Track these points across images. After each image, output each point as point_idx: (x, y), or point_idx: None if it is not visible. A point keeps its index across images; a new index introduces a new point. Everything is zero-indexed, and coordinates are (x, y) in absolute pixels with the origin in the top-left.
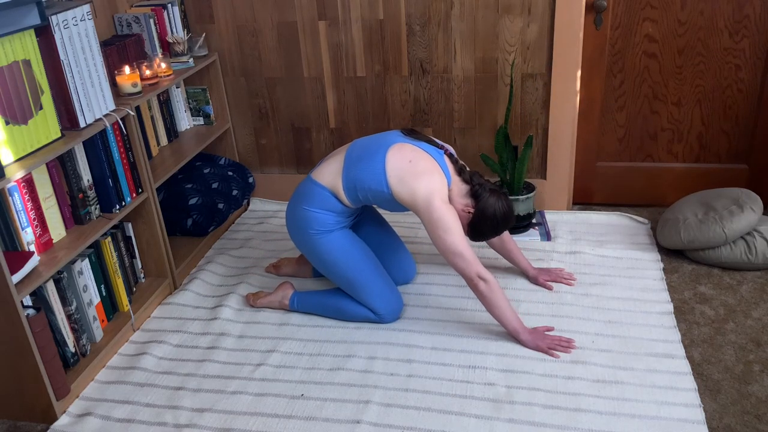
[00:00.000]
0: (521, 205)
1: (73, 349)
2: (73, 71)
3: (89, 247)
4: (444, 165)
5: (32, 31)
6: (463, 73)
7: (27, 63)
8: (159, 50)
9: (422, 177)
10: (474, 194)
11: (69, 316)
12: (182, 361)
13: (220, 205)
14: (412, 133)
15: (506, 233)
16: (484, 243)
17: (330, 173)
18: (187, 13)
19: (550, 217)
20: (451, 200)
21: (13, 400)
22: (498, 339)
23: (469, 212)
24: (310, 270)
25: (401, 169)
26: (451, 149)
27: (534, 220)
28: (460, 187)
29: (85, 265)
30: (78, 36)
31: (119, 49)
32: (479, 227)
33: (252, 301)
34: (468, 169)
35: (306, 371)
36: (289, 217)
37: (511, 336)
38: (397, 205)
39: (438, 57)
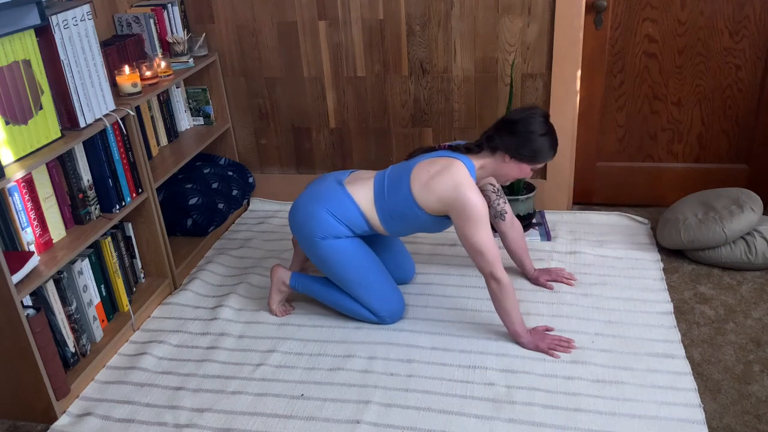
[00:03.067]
0: (521, 205)
1: (73, 349)
2: (73, 71)
3: (89, 247)
4: (457, 156)
5: (32, 31)
6: (463, 73)
7: (27, 63)
8: (159, 50)
9: (439, 176)
10: (491, 147)
11: (69, 316)
12: (182, 361)
13: (220, 205)
14: (425, 150)
15: (520, 232)
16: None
17: (366, 198)
18: (187, 13)
19: (550, 217)
20: (493, 175)
21: (13, 400)
22: (498, 339)
23: (508, 160)
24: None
25: (422, 182)
26: (448, 143)
27: (534, 220)
28: (483, 159)
29: (85, 265)
30: (78, 36)
31: (119, 49)
32: (529, 151)
33: (278, 314)
34: (468, 142)
35: (306, 371)
36: (300, 213)
37: (512, 338)
38: (442, 223)
39: (438, 57)
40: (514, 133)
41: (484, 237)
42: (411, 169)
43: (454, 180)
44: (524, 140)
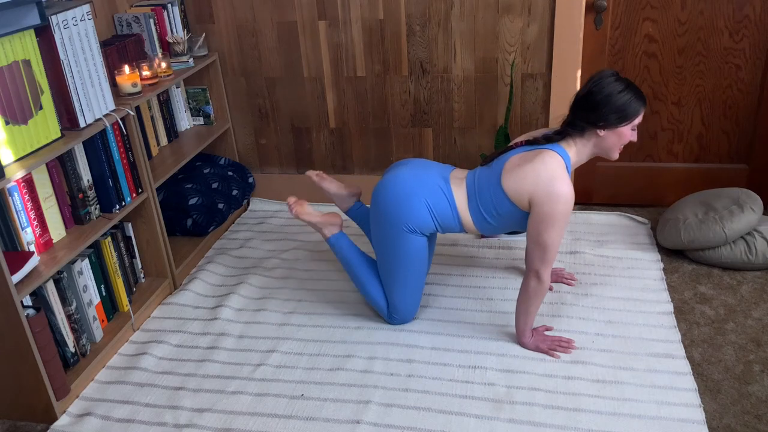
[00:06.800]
0: None
1: (73, 349)
2: (73, 71)
3: (89, 247)
4: (549, 146)
5: (32, 31)
6: (463, 73)
7: (27, 63)
8: (159, 50)
9: (533, 169)
10: (578, 130)
11: (69, 316)
12: (182, 361)
13: (220, 205)
14: (505, 150)
15: None
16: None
17: (461, 198)
18: (187, 13)
19: None
20: (596, 154)
21: (13, 400)
22: (498, 339)
23: (603, 133)
24: (347, 206)
25: (513, 177)
26: (535, 134)
27: None
28: (574, 145)
29: (85, 265)
30: (78, 36)
31: (119, 49)
32: (617, 113)
33: (295, 210)
34: (556, 129)
35: (306, 371)
36: (399, 197)
37: (516, 334)
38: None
39: (438, 57)
40: (593, 105)
41: (556, 237)
42: (502, 165)
43: (548, 172)
44: (607, 106)
